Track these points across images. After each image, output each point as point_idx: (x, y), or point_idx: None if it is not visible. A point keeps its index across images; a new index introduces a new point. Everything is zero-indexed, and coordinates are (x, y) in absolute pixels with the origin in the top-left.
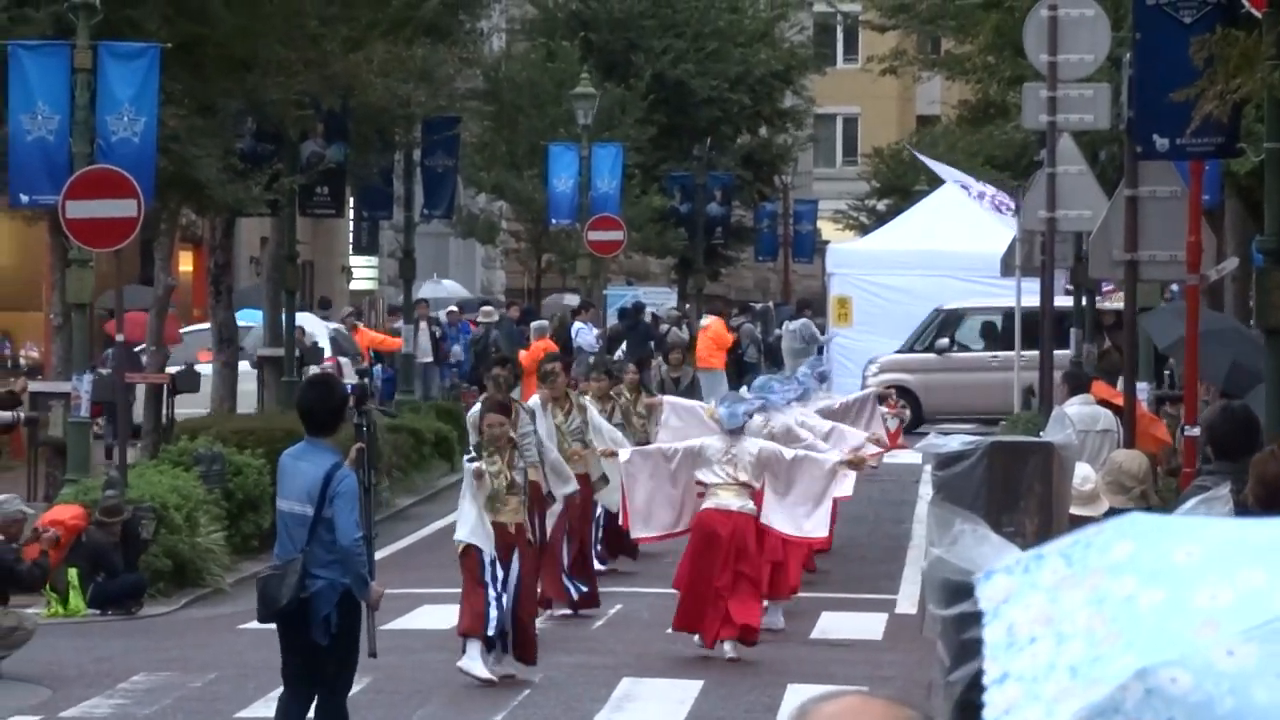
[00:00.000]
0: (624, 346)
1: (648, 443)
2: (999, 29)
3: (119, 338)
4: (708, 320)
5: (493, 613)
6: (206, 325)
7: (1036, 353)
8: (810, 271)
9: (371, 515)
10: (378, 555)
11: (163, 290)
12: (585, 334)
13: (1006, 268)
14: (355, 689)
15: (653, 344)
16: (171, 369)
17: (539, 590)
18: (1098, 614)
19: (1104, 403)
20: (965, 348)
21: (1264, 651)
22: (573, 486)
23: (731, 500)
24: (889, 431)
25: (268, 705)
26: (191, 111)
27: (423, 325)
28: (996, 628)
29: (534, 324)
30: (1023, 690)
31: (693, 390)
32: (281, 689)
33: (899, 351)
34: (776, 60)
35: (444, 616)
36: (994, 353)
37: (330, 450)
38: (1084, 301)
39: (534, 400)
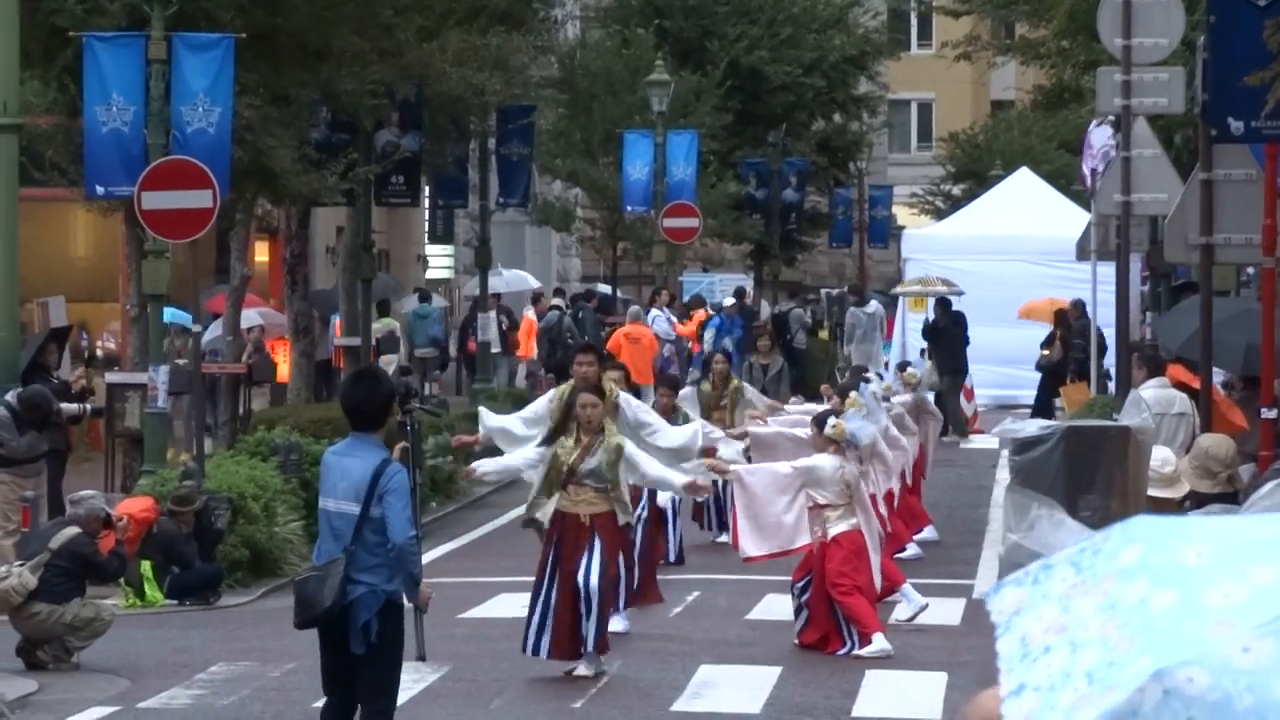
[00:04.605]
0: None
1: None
2: (1073, 13)
3: (195, 328)
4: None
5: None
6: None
7: None
8: (886, 257)
9: (419, 515)
10: (453, 545)
11: (239, 280)
12: (660, 321)
13: (1082, 252)
14: (433, 678)
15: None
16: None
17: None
18: (1111, 620)
19: (1180, 386)
20: None
21: None
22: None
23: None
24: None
25: None
26: (266, 102)
27: (491, 315)
28: (1010, 640)
29: (631, 309)
30: (1040, 700)
31: (780, 379)
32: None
33: None
34: (851, 46)
35: (521, 605)
36: None
37: (378, 446)
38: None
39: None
